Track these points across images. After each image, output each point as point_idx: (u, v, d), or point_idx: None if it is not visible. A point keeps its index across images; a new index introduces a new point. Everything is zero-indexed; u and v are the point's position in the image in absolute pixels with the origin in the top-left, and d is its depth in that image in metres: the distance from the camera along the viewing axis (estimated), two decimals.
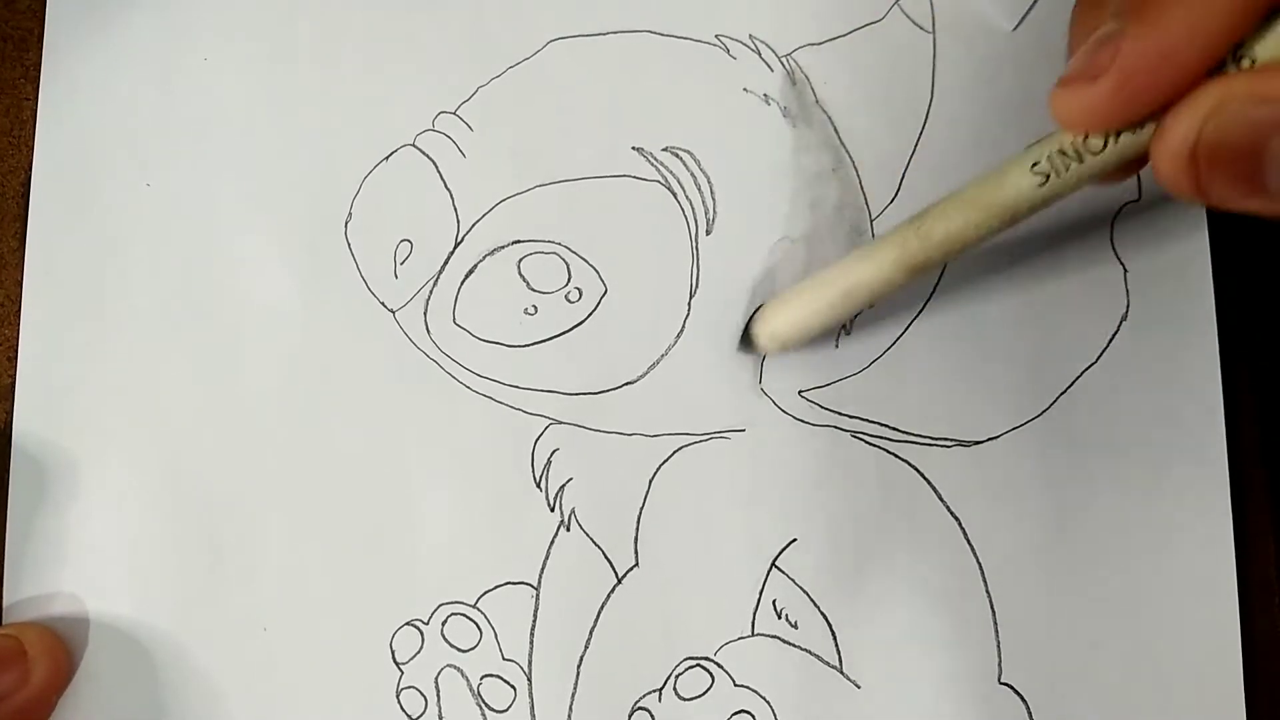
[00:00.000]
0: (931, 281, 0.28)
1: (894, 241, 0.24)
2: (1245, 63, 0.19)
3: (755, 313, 0.28)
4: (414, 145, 0.29)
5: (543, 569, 0.28)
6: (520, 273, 0.29)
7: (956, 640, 0.27)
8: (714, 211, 0.29)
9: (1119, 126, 0.20)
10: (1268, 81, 0.18)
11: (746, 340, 0.28)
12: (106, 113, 0.30)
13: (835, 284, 0.25)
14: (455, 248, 0.29)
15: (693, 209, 0.29)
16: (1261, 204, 0.19)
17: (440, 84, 0.30)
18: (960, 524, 0.28)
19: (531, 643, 0.27)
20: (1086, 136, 0.21)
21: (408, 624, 0.28)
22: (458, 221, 0.29)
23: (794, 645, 0.27)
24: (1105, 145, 0.21)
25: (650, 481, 0.28)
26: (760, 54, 0.29)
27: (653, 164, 0.29)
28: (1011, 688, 0.27)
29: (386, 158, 0.29)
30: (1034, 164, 0.22)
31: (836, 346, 0.28)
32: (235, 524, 0.28)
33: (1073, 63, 0.20)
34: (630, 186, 0.29)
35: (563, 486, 0.28)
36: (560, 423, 0.28)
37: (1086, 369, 0.28)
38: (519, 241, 0.29)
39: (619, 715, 0.27)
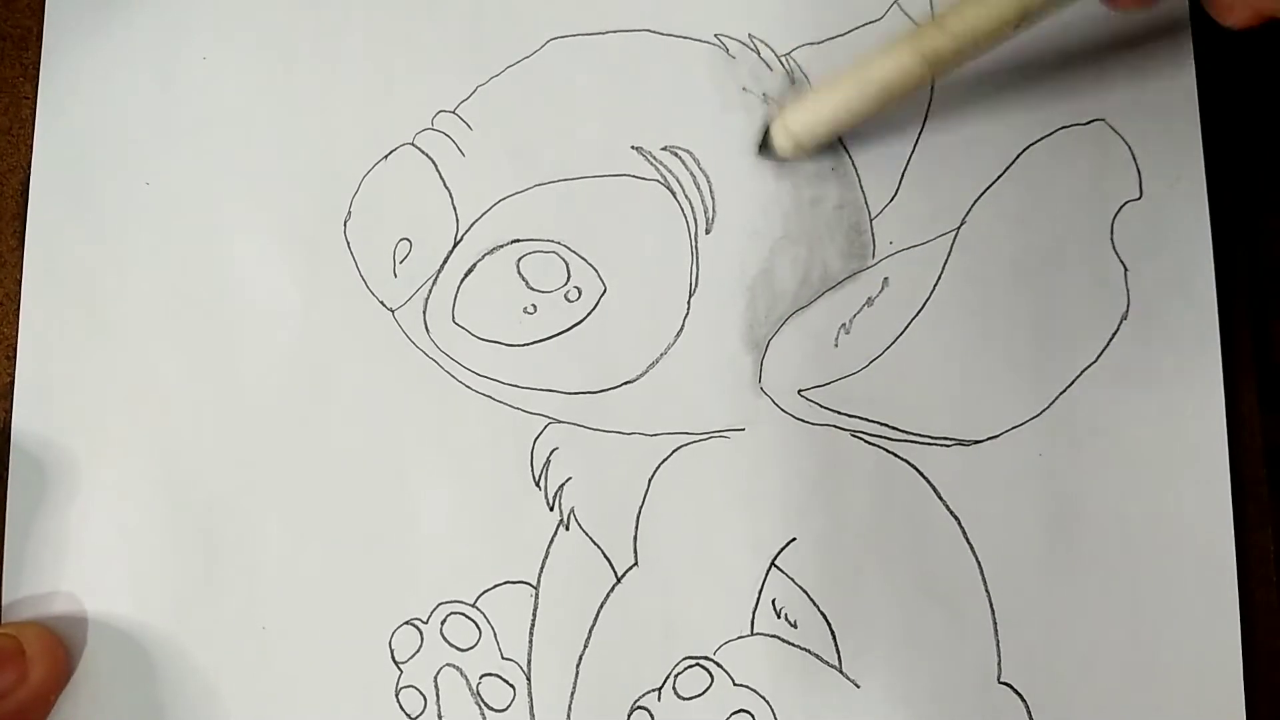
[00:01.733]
0: (933, 274, 0.28)
1: (913, 34, 0.24)
2: None
3: (771, 120, 0.28)
4: (413, 144, 0.30)
5: (542, 568, 0.28)
6: (519, 272, 0.29)
7: (956, 639, 0.27)
8: (713, 210, 0.29)
9: None
10: None
11: (765, 145, 0.27)
12: (105, 111, 0.30)
13: (852, 77, 0.25)
14: (454, 247, 0.29)
15: (692, 208, 0.29)
16: None
17: (439, 83, 0.30)
18: (960, 523, 0.28)
19: (531, 642, 0.28)
20: None
21: (407, 623, 0.28)
22: (457, 220, 0.29)
23: (793, 644, 0.27)
24: None
25: (649, 481, 0.28)
26: (759, 53, 0.30)
27: (652, 163, 0.29)
28: (1011, 687, 0.27)
29: (386, 156, 0.30)
30: None
31: (836, 346, 0.28)
32: (234, 523, 0.28)
33: None
34: (629, 186, 0.29)
35: (562, 486, 0.28)
36: (559, 422, 0.28)
37: (1087, 368, 0.28)
38: (518, 240, 0.29)
39: (618, 714, 0.27)
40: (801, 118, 0.26)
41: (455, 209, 0.29)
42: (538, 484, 0.28)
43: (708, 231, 0.29)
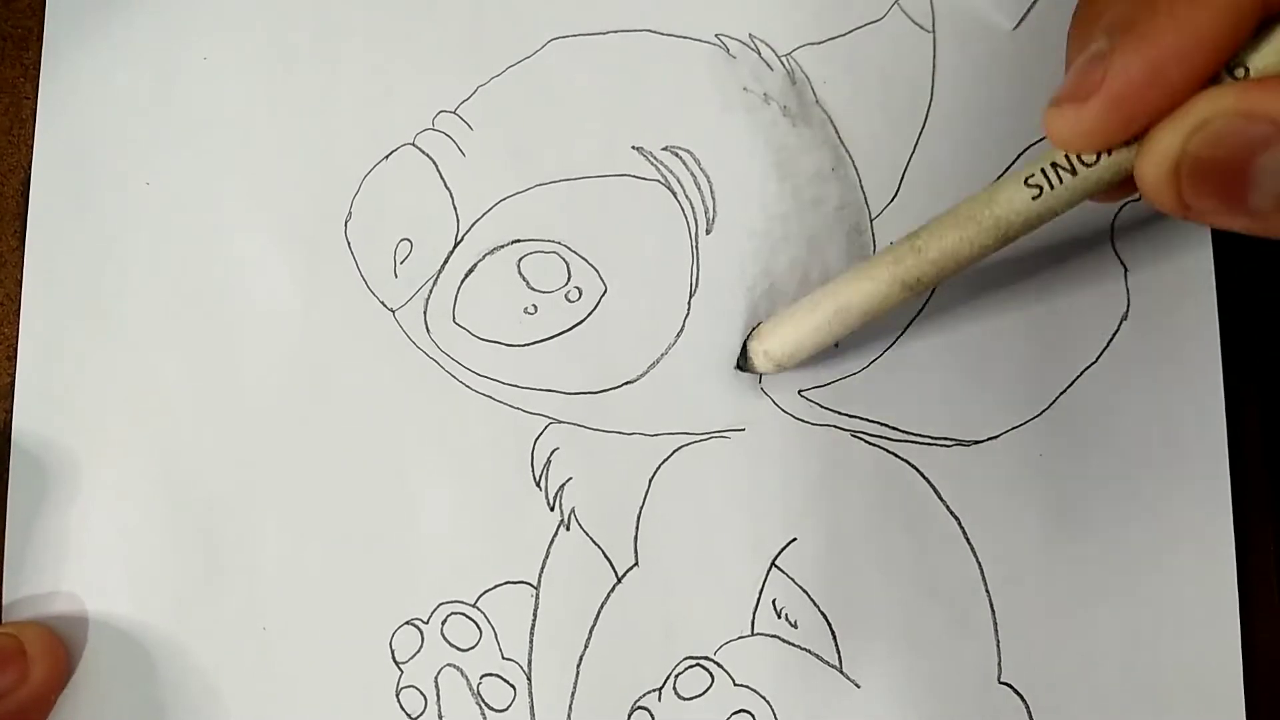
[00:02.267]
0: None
1: (889, 260, 0.24)
2: (1240, 73, 0.19)
3: (751, 332, 0.28)
4: (414, 144, 0.30)
5: (542, 568, 0.28)
6: (520, 272, 0.29)
7: (956, 639, 0.27)
8: (714, 211, 0.29)
9: (1111, 145, 0.20)
10: (1256, 97, 0.18)
11: (744, 360, 0.28)
12: (106, 111, 0.30)
13: (830, 303, 0.25)
14: (455, 247, 0.29)
15: (692, 208, 0.29)
16: (1245, 223, 0.19)
17: (440, 83, 0.30)
18: (960, 523, 0.28)
19: (531, 642, 0.28)
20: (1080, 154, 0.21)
21: (407, 623, 0.28)
22: (457, 220, 0.29)
23: (794, 645, 0.27)
24: (1099, 158, 0.21)
25: (650, 481, 0.28)
26: (760, 53, 0.30)
27: (652, 163, 0.29)
28: (1011, 687, 0.27)
29: (386, 157, 0.30)
30: (1028, 177, 0.22)
31: (836, 346, 0.28)
32: (235, 523, 0.29)
33: (1065, 82, 0.20)
34: (630, 186, 0.29)
35: (562, 486, 0.28)
36: (560, 422, 0.28)
37: (1087, 368, 0.28)
38: (519, 241, 0.29)
39: (619, 714, 0.27)
40: (780, 341, 0.26)
41: (456, 209, 0.29)
42: (538, 484, 0.28)
43: (708, 232, 0.29)
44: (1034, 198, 0.22)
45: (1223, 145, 0.18)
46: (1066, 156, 0.21)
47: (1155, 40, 0.18)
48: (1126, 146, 0.20)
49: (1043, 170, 0.22)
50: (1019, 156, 0.29)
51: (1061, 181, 0.22)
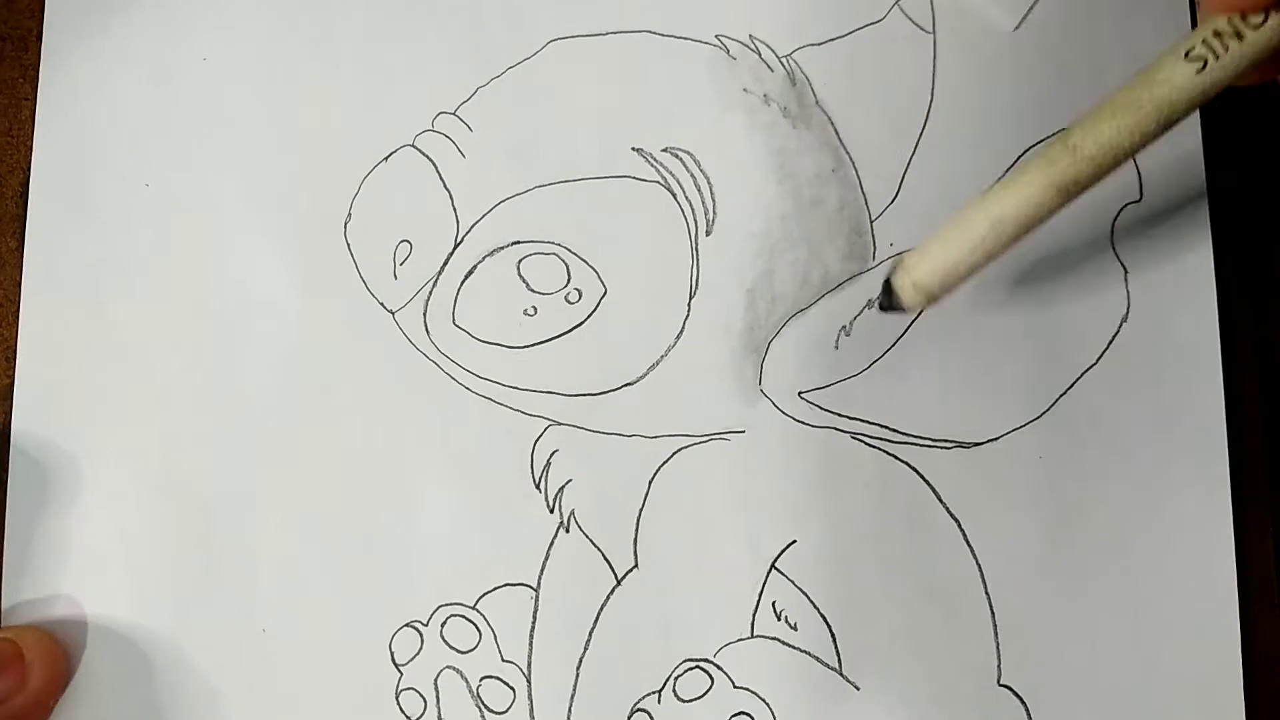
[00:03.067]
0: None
1: (1041, 163, 0.22)
2: None
3: (894, 267, 0.25)
4: (413, 146, 0.30)
5: (542, 570, 0.28)
6: (520, 273, 0.29)
7: (956, 641, 0.28)
8: (714, 212, 0.29)
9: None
10: None
11: (888, 298, 0.25)
12: (105, 112, 0.30)
13: (982, 217, 0.23)
14: (455, 248, 0.29)
15: (692, 210, 0.29)
16: None
17: (439, 84, 0.30)
18: (960, 525, 0.28)
19: (531, 644, 0.28)
20: (1245, 15, 0.20)
21: (407, 625, 0.28)
22: (457, 222, 0.29)
23: (793, 647, 0.28)
24: (1266, 18, 0.20)
25: (650, 483, 0.28)
26: (760, 54, 0.30)
27: (652, 165, 0.29)
28: (1011, 689, 0.27)
29: (386, 158, 0.30)
30: (1188, 51, 0.20)
31: (836, 348, 0.29)
32: (234, 525, 0.29)
33: None
34: (630, 187, 0.29)
35: (562, 488, 0.28)
36: (560, 424, 0.29)
37: (1087, 370, 0.28)
38: (518, 242, 0.29)
39: (618, 716, 0.28)
40: (930, 267, 0.24)
41: (456, 210, 0.29)
42: (538, 486, 0.28)
43: (708, 233, 0.29)
44: (1198, 71, 0.20)
45: None
46: (1229, 22, 0.20)
47: None
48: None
49: (1204, 41, 0.20)
50: (1020, 157, 0.29)
51: (1227, 50, 0.20)
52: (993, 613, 0.28)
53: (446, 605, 0.28)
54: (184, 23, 0.31)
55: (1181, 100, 0.21)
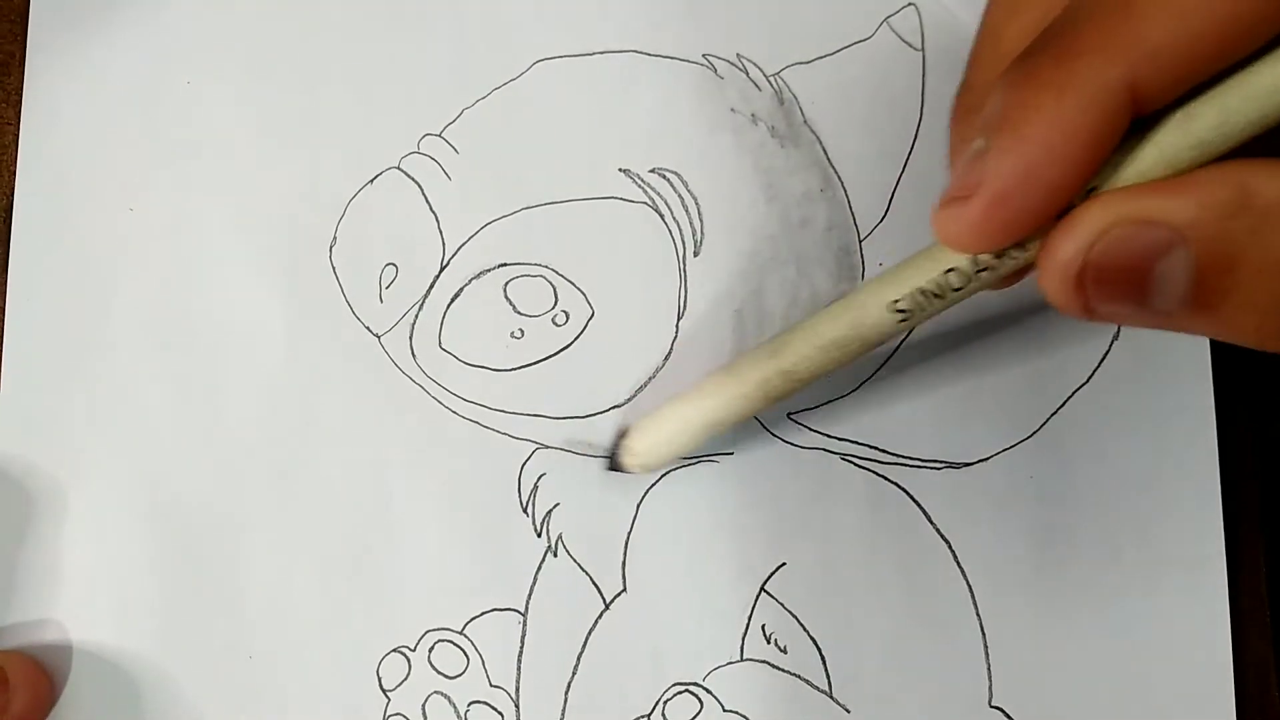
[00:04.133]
0: None
1: (755, 377, 0.25)
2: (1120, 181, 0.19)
3: (619, 439, 0.28)
4: (399, 168, 0.30)
5: (530, 595, 0.28)
6: (506, 296, 0.29)
7: (947, 663, 0.28)
8: (701, 233, 0.29)
9: (1000, 247, 0.20)
10: (1150, 202, 0.18)
11: (614, 463, 0.28)
12: (89, 137, 0.31)
13: (697, 417, 0.26)
14: (441, 271, 0.29)
15: (680, 231, 0.29)
16: (1151, 321, 0.19)
17: (425, 106, 0.30)
18: (950, 546, 0.28)
19: (519, 669, 0.28)
20: (948, 273, 0.21)
21: (394, 650, 0.28)
22: (443, 244, 0.29)
23: (783, 670, 0.28)
24: (965, 285, 0.21)
25: (638, 506, 0.28)
26: (748, 73, 0.30)
27: (640, 185, 0.30)
28: (1002, 711, 0.28)
29: (371, 181, 0.30)
30: (895, 301, 0.22)
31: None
32: (220, 551, 0.29)
33: (949, 182, 0.20)
34: (617, 208, 0.30)
35: (550, 512, 0.29)
36: (547, 447, 0.29)
37: (1078, 389, 0.29)
38: (505, 264, 0.29)
39: None
40: (650, 447, 0.27)
41: (441, 233, 0.30)
42: (525, 510, 0.29)
43: (696, 254, 0.29)
44: (900, 321, 0.22)
45: (1123, 252, 0.18)
46: (936, 283, 0.21)
47: (1027, 138, 0.18)
48: (1008, 254, 0.20)
49: (910, 295, 0.22)
50: None
51: (931, 305, 0.22)
52: (984, 633, 0.28)
53: (434, 630, 0.28)
54: (167, 47, 0.31)
55: (885, 339, 0.23)
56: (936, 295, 0.22)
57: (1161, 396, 0.28)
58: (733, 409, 0.25)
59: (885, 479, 0.28)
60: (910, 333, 0.29)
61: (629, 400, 0.29)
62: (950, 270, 0.21)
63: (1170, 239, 0.18)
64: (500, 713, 0.28)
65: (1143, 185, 0.19)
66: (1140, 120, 0.19)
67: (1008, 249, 0.20)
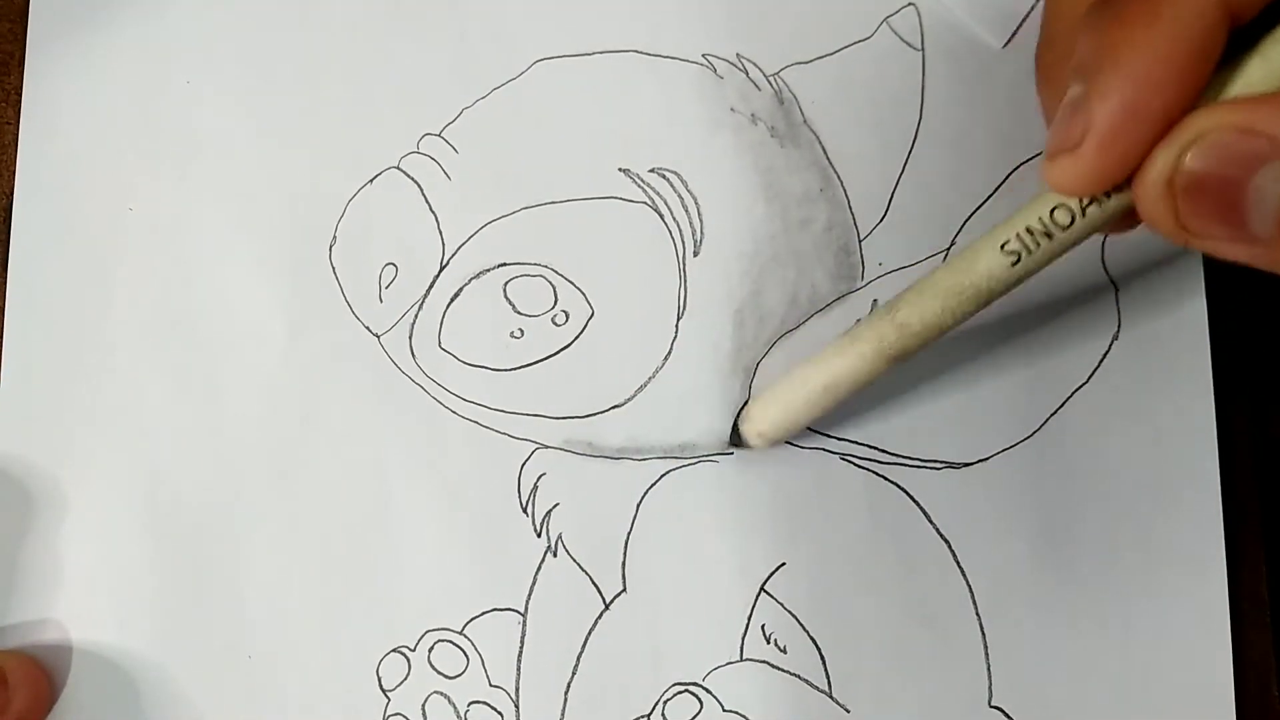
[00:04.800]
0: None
1: (871, 334, 0.25)
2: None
3: (740, 413, 0.28)
4: (398, 168, 0.30)
5: (529, 595, 0.28)
6: (506, 296, 0.29)
7: (947, 663, 0.28)
8: (701, 233, 0.30)
9: (1116, 183, 0.20)
10: (1250, 112, 0.18)
11: (737, 438, 0.28)
12: (88, 136, 0.31)
13: (816, 381, 0.26)
14: (440, 271, 0.30)
15: (680, 230, 0.30)
16: (1246, 251, 0.19)
17: (425, 106, 0.30)
18: (950, 546, 0.28)
19: (519, 669, 0.28)
20: (1053, 212, 0.21)
21: (394, 651, 0.28)
22: (443, 244, 0.30)
23: (783, 670, 0.28)
24: (1073, 221, 0.21)
25: (638, 506, 0.29)
26: (747, 73, 0.30)
27: (639, 185, 0.30)
28: (1002, 711, 0.28)
29: (371, 180, 0.30)
30: (1004, 243, 0.22)
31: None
32: (219, 550, 0.29)
33: (1051, 134, 0.20)
34: (617, 208, 0.30)
35: (549, 511, 0.29)
36: (547, 447, 0.29)
37: (1078, 389, 0.29)
38: (505, 264, 0.30)
39: None
40: (773, 421, 0.27)
41: (441, 233, 0.30)
42: (525, 510, 0.29)
43: (696, 254, 0.29)
44: (1012, 264, 0.22)
45: (1217, 160, 0.18)
46: (1041, 221, 0.22)
47: (1128, 75, 0.18)
48: (1107, 197, 0.21)
49: (1018, 235, 0.22)
50: (1009, 176, 0.29)
51: (1039, 246, 0.22)
52: (983, 634, 0.28)
53: (434, 630, 0.28)
54: (167, 46, 0.31)
55: (999, 287, 0.23)
56: (1045, 234, 0.22)
57: (1161, 396, 0.29)
58: (851, 370, 0.25)
59: (885, 479, 0.29)
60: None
61: (629, 400, 0.29)
62: (1057, 208, 0.21)
63: (1268, 150, 0.18)
64: (500, 713, 0.28)
65: (1244, 98, 0.18)
66: (1239, 32, 0.18)
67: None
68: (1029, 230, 0.22)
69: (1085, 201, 0.21)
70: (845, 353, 0.25)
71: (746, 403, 0.28)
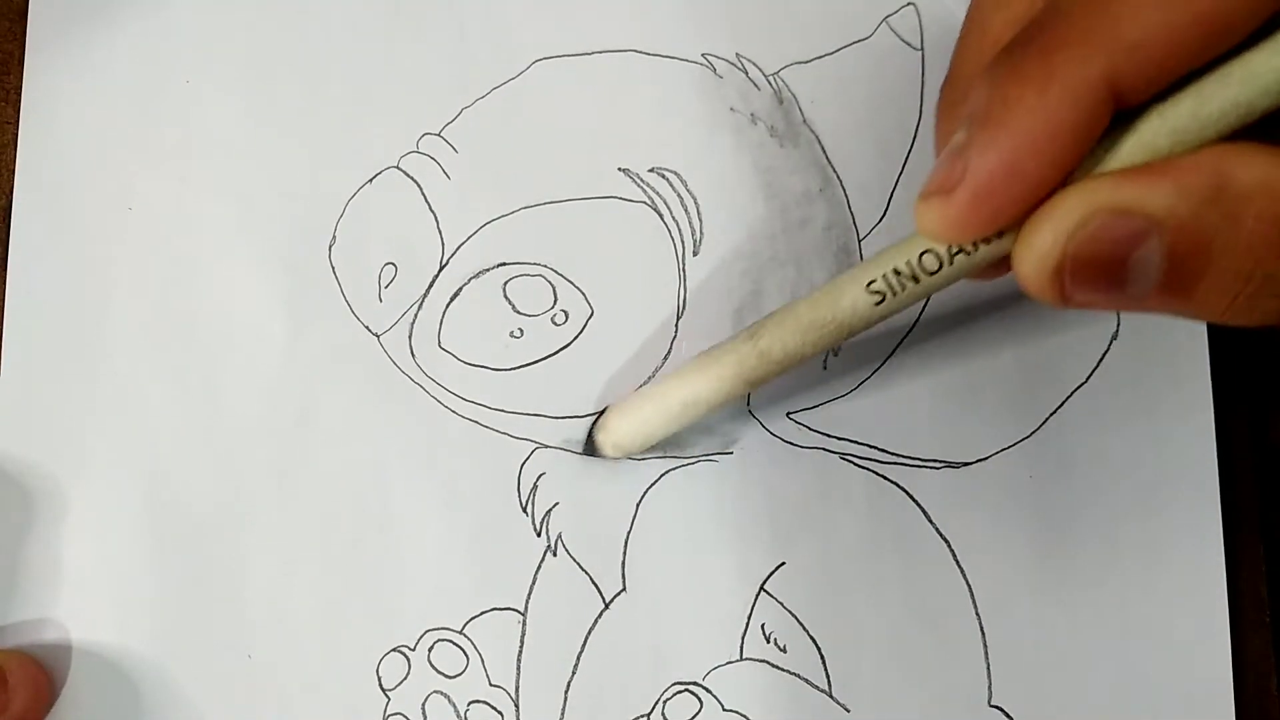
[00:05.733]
0: (919, 303, 0.29)
1: (732, 358, 0.25)
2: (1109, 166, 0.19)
3: (597, 420, 0.28)
4: (398, 167, 0.30)
5: (529, 594, 0.29)
6: (506, 295, 0.30)
7: (946, 663, 0.28)
8: (701, 233, 0.30)
9: (982, 237, 0.20)
10: (1128, 192, 0.19)
11: (590, 446, 0.28)
12: (88, 135, 0.31)
13: (674, 396, 0.26)
14: (440, 270, 0.30)
15: (679, 230, 0.30)
16: (1120, 304, 0.20)
17: (424, 105, 0.31)
18: (950, 546, 0.28)
19: (519, 669, 0.28)
20: (921, 256, 0.22)
21: (394, 650, 0.29)
22: (442, 244, 0.30)
23: (783, 669, 0.28)
24: (940, 267, 0.21)
25: (638, 505, 0.29)
26: (747, 73, 0.30)
27: (639, 185, 0.30)
28: (1002, 710, 0.28)
29: (370, 180, 0.30)
30: (870, 282, 0.22)
31: (825, 368, 0.29)
32: (219, 550, 0.29)
33: (931, 174, 0.20)
34: (616, 208, 0.30)
35: (549, 511, 0.29)
36: (547, 446, 0.29)
37: (1077, 389, 0.29)
38: (504, 264, 0.30)
39: None
40: (628, 431, 0.27)
41: (441, 232, 0.30)
42: (525, 509, 0.29)
43: (695, 254, 0.30)
44: (876, 304, 0.23)
45: (1100, 244, 0.19)
46: (909, 265, 0.22)
47: (1009, 133, 0.19)
48: (987, 243, 0.21)
49: (884, 276, 0.22)
50: None
51: (904, 289, 0.22)
52: (983, 633, 0.28)
53: (434, 630, 0.29)
54: (166, 46, 0.31)
55: (861, 324, 0.23)
56: (912, 278, 0.22)
57: (1161, 396, 0.29)
58: (708, 390, 0.25)
59: (885, 479, 0.29)
60: (909, 333, 0.29)
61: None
62: (925, 253, 0.21)
63: (1146, 228, 0.18)
64: (500, 712, 0.28)
65: (1120, 172, 0.19)
66: (1123, 114, 0.19)
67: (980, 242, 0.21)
68: (896, 272, 0.22)
69: (954, 249, 0.21)
70: (705, 372, 0.25)
71: (604, 412, 0.28)
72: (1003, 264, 0.21)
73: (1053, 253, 0.19)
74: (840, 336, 0.24)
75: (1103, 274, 0.19)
